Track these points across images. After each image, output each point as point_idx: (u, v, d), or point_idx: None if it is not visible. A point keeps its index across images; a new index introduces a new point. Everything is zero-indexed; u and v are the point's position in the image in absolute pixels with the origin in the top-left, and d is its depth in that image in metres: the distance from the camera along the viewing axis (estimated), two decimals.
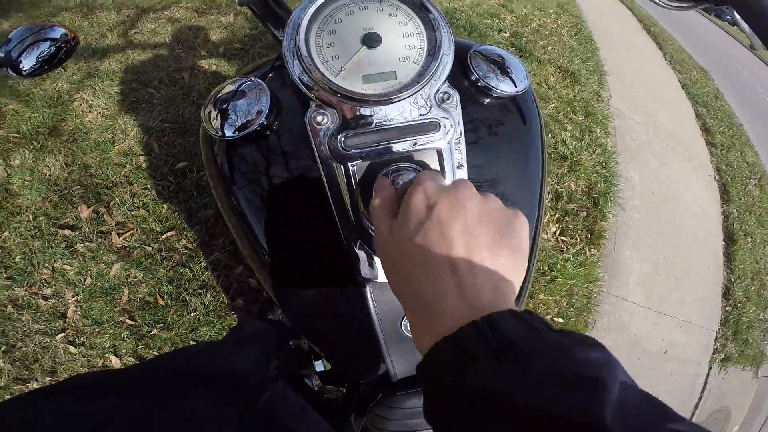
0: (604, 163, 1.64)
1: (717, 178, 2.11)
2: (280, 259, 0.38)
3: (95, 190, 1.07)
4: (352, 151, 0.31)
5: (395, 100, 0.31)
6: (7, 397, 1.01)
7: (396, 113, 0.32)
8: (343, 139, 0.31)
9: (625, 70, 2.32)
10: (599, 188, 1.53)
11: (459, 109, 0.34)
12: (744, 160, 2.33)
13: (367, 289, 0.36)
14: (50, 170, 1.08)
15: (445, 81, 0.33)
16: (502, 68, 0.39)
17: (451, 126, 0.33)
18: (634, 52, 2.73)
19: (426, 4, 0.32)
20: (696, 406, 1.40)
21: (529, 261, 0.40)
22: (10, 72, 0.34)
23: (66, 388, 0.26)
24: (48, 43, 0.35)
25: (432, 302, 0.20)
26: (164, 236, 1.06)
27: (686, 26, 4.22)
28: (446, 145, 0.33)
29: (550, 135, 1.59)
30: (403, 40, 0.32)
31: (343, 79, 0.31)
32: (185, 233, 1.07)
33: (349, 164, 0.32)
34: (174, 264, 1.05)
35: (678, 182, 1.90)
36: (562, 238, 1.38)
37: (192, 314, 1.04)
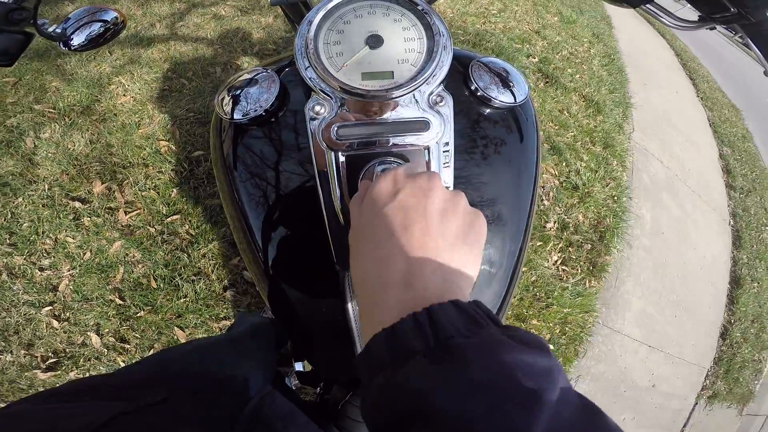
0: (616, 198, 1.62)
1: (732, 223, 2.05)
2: (267, 246, 0.39)
3: (112, 168, 1.11)
4: (344, 141, 0.33)
5: (390, 97, 0.33)
6: None
7: (390, 110, 0.34)
8: (336, 129, 0.33)
9: (652, 104, 2.30)
10: (607, 222, 1.52)
11: (451, 112, 0.35)
12: (763, 206, 2.24)
13: (346, 279, 0.37)
14: (75, 146, 1.13)
15: (440, 84, 0.35)
16: (504, 80, 0.42)
17: (441, 127, 0.34)
18: (665, 87, 2.70)
19: (428, 12, 0.35)
20: None
21: (512, 276, 0.41)
22: (62, 46, 0.38)
23: (57, 392, 0.26)
24: (99, 24, 0.39)
25: (379, 289, 0.19)
26: (169, 219, 1.07)
27: (728, 64, 4.18)
28: (435, 145, 0.35)
29: (564, 163, 1.57)
30: (404, 43, 0.34)
31: (344, 74, 0.33)
32: (189, 219, 1.08)
33: (340, 153, 0.33)
34: (173, 248, 1.06)
35: (690, 224, 1.86)
36: (563, 267, 1.35)
37: (181, 300, 1.03)
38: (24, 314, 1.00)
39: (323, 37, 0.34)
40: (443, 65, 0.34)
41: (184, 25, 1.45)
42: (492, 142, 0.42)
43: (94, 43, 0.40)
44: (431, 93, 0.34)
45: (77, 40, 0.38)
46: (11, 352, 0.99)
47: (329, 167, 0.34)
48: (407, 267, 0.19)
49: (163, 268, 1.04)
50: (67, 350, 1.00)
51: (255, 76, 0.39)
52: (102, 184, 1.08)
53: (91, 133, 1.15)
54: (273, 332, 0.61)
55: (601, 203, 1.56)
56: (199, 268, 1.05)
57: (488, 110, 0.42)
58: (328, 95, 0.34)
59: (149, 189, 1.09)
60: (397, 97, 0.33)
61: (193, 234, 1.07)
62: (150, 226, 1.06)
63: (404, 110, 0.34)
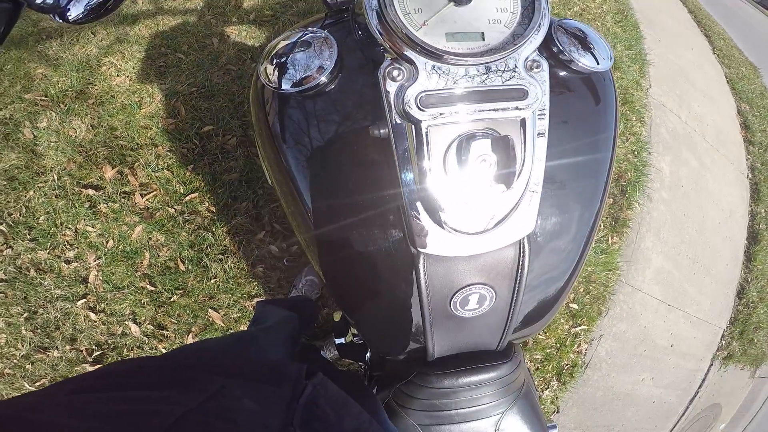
0: (636, 152, 1.59)
1: (750, 176, 2.04)
2: (326, 223, 0.35)
3: (120, 151, 1.05)
4: (428, 111, 0.29)
5: (481, 62, 0.29)
6: (28, 366, 1.00)
7: (479, 76, 0.30)
8: (419, 97, 0.29)
9: (669, 61, 2.23)
10: (629, 177, 1.49)
11: (547, 79, 0.32)
12: None
13: (420, 260, 0.34)
14: (76, 132, 1.07)
15: (535, 49, 0.31)
16: (584, 43, 0.37)
17: (539, 95, 0.31)
18: (681, 44, 2.62)
19: None
20: (690, 402, 1.40)
21: (584, 250, 0.39)
22: (57, 18, 0.31)
23: (104, 383, 0.25)
24: None
25: None
26: (187, 198, 1.03)
27: (741, 21, 4.05)
28: (530, 115, 0.31)
29: None
30: (495, 1, 0.30)
31: (425, 33, 0.29)
32: (208, 196, 1.04)
33: (423, 125, 0.29)
34: (196, 227, 1.02)
35: (709, 177, 1.84)
36: None
37: (212, 281, 1.00)
38: (60, 309, 1.00)
39: None
40: (542, 27, 0.31)
41: None
42: (575, 109, 0.38)
43: (95, 14, 0.33)
44: (527, 58, 0.30)
45: (75, 10, 0.32)
46: (57, 348, 0.99)
47: (409, 141, 0.30)
48: None
49: (189, 249, 1.01)
50: (109, 341, 1.00)
51: (302, 37, 0.33)
52: (112, 168, 1.03)
53: (90, 117, 1.08)
54: (297, 318, 0.59)
55: (622, 158, 1.53)
56: (226, 246, 1.02)
57: (567, 74, 0.38)
58: (406, 58, 0.29)
59: (162, 169, 1.04)
60: (490, 62, 0.29)
61: (214, 211, 1.03)
62: (169, 206, 1.02)
63: (495, 76, 0.30)
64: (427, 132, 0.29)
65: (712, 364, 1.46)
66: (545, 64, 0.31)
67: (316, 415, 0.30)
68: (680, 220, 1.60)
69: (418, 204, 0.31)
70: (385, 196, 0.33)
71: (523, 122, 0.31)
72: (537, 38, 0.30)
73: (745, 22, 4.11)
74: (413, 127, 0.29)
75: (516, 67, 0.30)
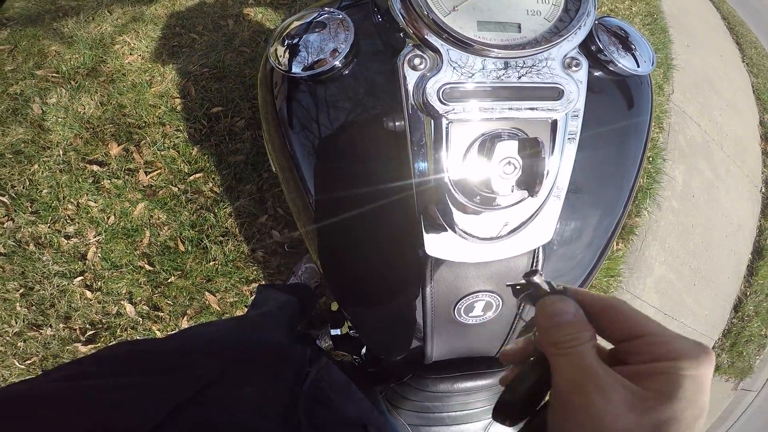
0: (651, 158, 1.57)
1: (763, 190, 2.01)
2: (330, 216, 0.33)
3: (127, 129, 1.05)
4: (451, 105, 0.26)
5: (515, 56, 0.26)
6: (20, 344, 0.98)
7: (511, 71, 0.27)
8: (443, 89, 0.26)
9: (695, 67, 2.20)
10: (640, 183, 1.48)
11: (585, 79, 0.29)
12: None
13: (428, 263, 0.32)
14: (85, 109, 1.07)
15: (575, 47, 0.28)
16: (625, 43, 0.35)
17: (575, 96, 0.28)
18: (709, 50, 2.57)
19: None
20: None
21: (599, 260, 0.37)
22: None
23: (97, 369, 0.24)
24: None
25: None
26: (191, 177, 1.02)
27: None
28: (563, 117, 0.29)
29: None
30: None
31: (454, 20, 0.26)
32: (213, 176, 1.02)
33: (444, 120, 0.27)
34: (198, 207, 1.00)
35: (722, 189, 1.82)
36: None
37: (211, 263, 0.98)
38: (57, 286, 0.98)
39: None
40: (587, 23, 0.28)
41: None
42: (608, 113, 0.36)
43: None
44: (566, 54, 0.28)
45: None
46: (50, 325, 0.97)
47: (427, 136, 0.27)
48: None
49: (190, 229, 0.99)
50: (104, 321, 0.98)
51: (318, 17, 0.30)
52: (118, 145, 1.03)
53: (100, 95, 1.08)
54: (297, 303, 0.57)
55: (643, 166, 1.52)
56: (227, 228, 1.00)
57: (604, 74, 0.35)
58: (430, 46, 0.26)
59: (168, 148, 1.03)
60: (525, 57, 0.27)
61: (218, 192, 1.01)
62: (172, 185, 1.01)
63: (529, 72, 0.27)
64: (447, 128, 0.27)
65: None
66: (585, 63, 0.29)
67: (320, 400, 0.28)
68: (687, 231, 1.58)
69: (431, 205, 0.29)
70: (395, 193, 0.31)
71: (554, 124, 0.29)
72: (580, 35, 0.28)
73: None
74: (432, 121, 0.27)
75: (553, 63, 0.28)
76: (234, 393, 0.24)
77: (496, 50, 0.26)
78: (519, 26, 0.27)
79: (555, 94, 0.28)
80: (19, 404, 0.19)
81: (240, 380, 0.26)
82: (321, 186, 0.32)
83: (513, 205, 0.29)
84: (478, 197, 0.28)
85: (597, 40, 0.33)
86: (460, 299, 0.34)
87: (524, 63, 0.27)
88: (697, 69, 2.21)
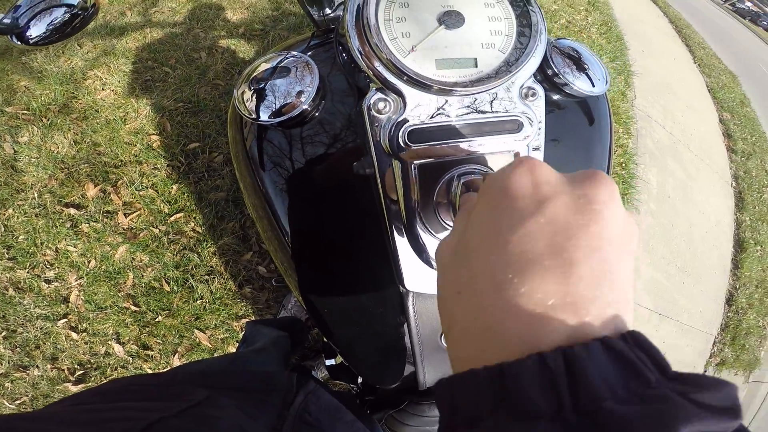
0: (623, 164, 1.61)
1: (734, 185, 2.09)
2: (308, 256, 0.33)
3: (103, 168, 1.03)
4: (416, 146, 0.27)
5: (474, 91, 0.27)
6: (8, 384, 0.97)
7: (472, 107, 0.28)
8: (407, 132, 0.27)
9: (652, 72, 2.28)
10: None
11: (543, 107, 0.29)
12: (764, 168, 2.29)
13: (409, 298, 0.32)
14: (58, 148, 1.05)
15: (530, 76, 0.29)
16: (579, 64, 0.35)
17: (534, 126, 0.29)
18: (663, 54, 2.69)
19: None
20: None
21: None
22: (15, 40, 0.29)
23: (103, 391, 0.25)
24: (63, 9, 0.30)
25: (504, 319, 0.13)
26: (172, 218, 1.01)
27: (721, 31, 4.16)
28: (525, 148, 0.29)
29: None
30: (488, 24, 0.28)
31: (414, 60, 0.26)
32: (194, 216, 1.02)
33: (411, 162, 0.27)
34: (181, 248, 1.00)
35: (695, 187, 1.88)
36: None
37: (198, 301, 0.99)
38: (40, 328, 0.97)
39: (383, 11, 0.26)
40: (539, 52, 0.28)
41: (158, 11, 1.30)
42: (568, 135, 0.36)
43: (59, 33, 0.31)
44: (522, 84, 0.28)
45: (35, 31, 0.29)
46: (37, 366, 0.97)
47: (396, 179, 0.28)
48: (564, 298, 0.12)
49: (174, 270, 0.99)
50: (92, 361, 0.98)
51: (281, 62, 0.30)
52: (95, 186, 1.01)
53: (73, 132, 1.06)
54: (288, 338, 0.59)
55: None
56: (212, 267, 1.00)
57: (560, 97, 0.36)
58: (392, 88, 0.27)
59: (147, 188, 1.02)
60: (483, 91, 0.27)
61: (200, 231, 1.01)
62: (153, 227, 1.00)
63: (488, 106, 0.28)
64: (415, 169, 0.27)
65: (705, 371, 1.48)
66: (541, 91, 0.30)
67: (308, 422, 0.29)
68: (668, 231, 1.63)
69: (406, 243, 0.30)
70: (370, 231, 0.32)
71: (517, 155, 0.29)
72: (533, 64, 0.28)
73: (722, 30, 4.21)
74: (399, 164, 0.27)
75: (511, 95, 0.28)
76: (217, 413, 0.25)
77: (455, 88, 0.26)
78: (475, 61, 0.28)
79: (515, 126, 0.29)
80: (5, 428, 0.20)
81: (224, 404, 0.26)
82: (295, 225, 0.33)
83: None
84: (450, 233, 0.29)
85: (552, 64, 0.34)
86: None
87: (483, 98, 0.28)
88: (655, 73, 2.29)
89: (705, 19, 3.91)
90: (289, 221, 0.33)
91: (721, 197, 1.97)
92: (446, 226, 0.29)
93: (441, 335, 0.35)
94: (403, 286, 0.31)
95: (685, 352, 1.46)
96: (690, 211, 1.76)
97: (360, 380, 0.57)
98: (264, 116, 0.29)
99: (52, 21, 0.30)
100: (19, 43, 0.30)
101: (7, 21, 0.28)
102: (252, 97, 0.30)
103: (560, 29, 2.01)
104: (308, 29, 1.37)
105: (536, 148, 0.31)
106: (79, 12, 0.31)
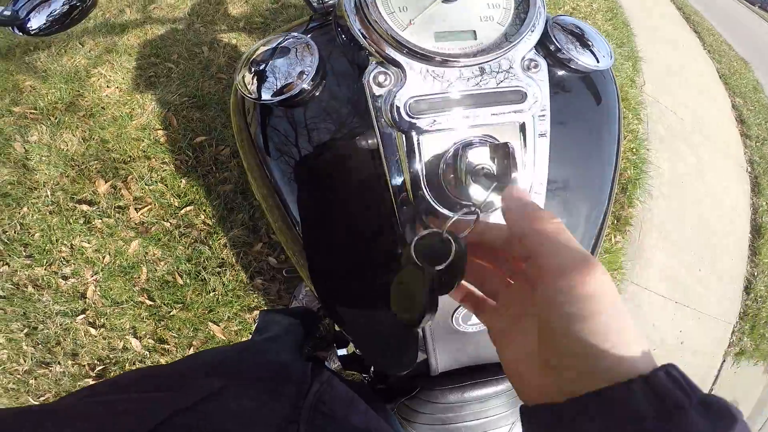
0: (634, 150, 1.58)
1: (749, 170, 2.04)
2: (318, 241, 0.33)
3: (113, 164, 1.04)
4: (419, 118, 0.27)
5: (474, 63, 0.27)
6: (32, 381, 1.00)
7: (473, 78, 0.28)
8: (409, 103, 0.27)
9: (661, 57, 2.22)
10: (629, 174, 1.49)
11: (546, 79, 0.30)
12: None
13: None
14: (67, 145, 1.06)
15: (531, 48, 0.29)
16: (582, 40, 0.35)
17: (538, 96, 0.29)
18: (671, 40, 2.62)
19: None
20: None
21: (595, 246, 0.38)
22: (17, 31, 0.29)
23: (117, 381, 0.26)
24: (61, 1, 0.30)
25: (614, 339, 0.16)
26: (182, 211, 1.02)
27: (730, 17, 4.03)
28: (530, 118, 0.29)
29: None
30: None
31: (412, 33, 0.27)
32: (204, 208, 1.02)
33: (414, 134, 0.27)
34: (192, 241, 1.01)
35: (709, 172, 1.84)
36: None
37: (211, 294, 1.00)
38: (60, 324, 1.00)
39: None
40: (538, 24, 0.28)
41: (157, 8, 1.30)
42: (576, 110, 0.36)
43: (58, 24, 0.31)
44: (523, 57, 0.28)
45: (35, 22, 0.29)
46: (59, 363, 0.99)
47: (400, 151, 0.27)
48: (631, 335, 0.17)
49: (186, 263, 1.00)
50: (111, 356, 1.00)
51: (281, 43, 0.30)
52: (106, 182, 1.02)
53: (81, 130, 1.07)
54: (301, 325, 0.59)
55: (621, 156, 1.54)
56: (223, 259, 1.01)
57: (566, 73, 0.35)
58: (392, 61, 0.26)
59: (156, 182, 1.03)
60: (483, 63, 0.27)
61: (211, 224, 1.02)
62: (164, 220, 1.01)
63: (489, 78, 0.27)
64: (418, 141, 0.27)
65: (724, 361, 1.44)
66: (543, 63, 0.29)
67: (323, 412, 0.29)
68: (682, 217, 1.59)
69: (413, 218, 0.29)
70: (378, 209, 0.31)
71: (522, 126, 0.29)
72: (533, 36, 0.29)
73: (732, 17, 4.08)
74: (403, 136, 0.27)
75: (512, 67, 0.28)
76: (231, 405, 0.25)
77: (454, 59, 0.26)
78: (474, 33, 0.28)
79: (519, 96, 0.28)
80: (22, 419, 0.21)
81: (239, 394, 0.27)
82: (304, 210, 0.33)
83: (493, 211, 0.29)
84: (458, 206, 0.28)
85: (554, 40, 0.33)
86: (457, 308, 0.34)
87: (484, 69, 0.28)
88: (663, 60, 2.23)
89: (713, 6, 3.79)
90: (298, 206, 0.32)
91: (735, 182, 1.92)
92: (451, 196, 0.28)
93: (452, 316, 0.35)
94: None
95: (703, 341, 1.43)
96: (704, 196, 1.72)
97: (372, 369, 0.57)
98: (266, 96, 0.29)
99: (51, 12, 0.30)
100: (20, 33, 0.30)
101: (7, 13, 0.28)
102: (253, 79, 0.30)
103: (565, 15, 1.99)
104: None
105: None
106: (77, 3, 0.31)
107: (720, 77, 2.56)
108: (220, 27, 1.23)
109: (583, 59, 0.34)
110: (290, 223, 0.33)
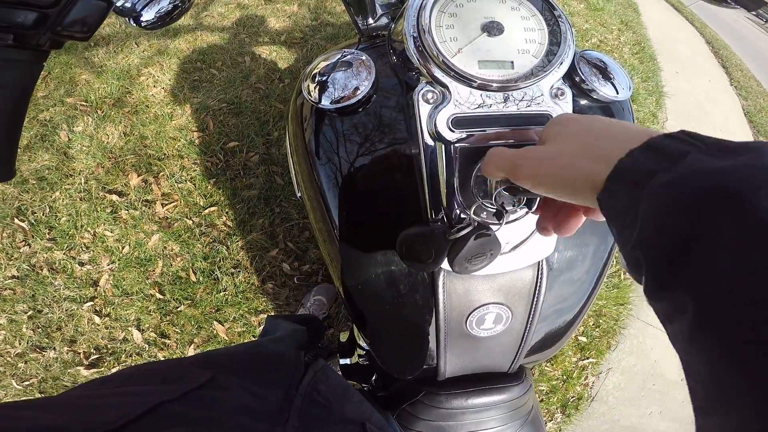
0: None
1: None
2: (352, 240, 0.36)
3: (147, 160, 1.09)
4: (459, 132, 0.31)
5: (511, 88, 0.31)
6: (21, 365, 0.98)
7: (508, 102, 0.32)
8: (451, 119, 0.31)
9: (686, 93, 2.26)
10: None
11: (570, 106, 0.34)
12: None
13: (440, 276, 0.35)
14: (108, 138, 1.12)
15: (560, 78, 0.33)
16: (605, 73, 0.39)
17: None
18: (698, 75, 2.65)
19: (551, 3, 0.33)
20: None
21: (600, 277, 0.40)
22: (131, 22, 0.34)
23: (109, 379, 0.26)
24: (168, 0, 0.36)
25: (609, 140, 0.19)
26: (206, 211, 1.05)
27: (758, 51, 4.04)
28: None
29: None
30: (524, 33, 0.33)
31: (459, 60, 0.31)
32: (226, 210, 1.06)
33: (452, 145, 0.31)
34: (211, 240, 1.03)
35: None
36: None
37: (221, 293, 1.00)
38: (66, 310, 1.00)
39: (435, 19, 0.31)
40: (567, 57, 0.33)
41: (208, 15, 1.42)
42: None
43: (162, 21, 0.36)
44: (552, 86, 0.33)
45: (147, 16, 0.34)
46: (54, 348, 0.98)
47: (439, 160, 0.31)
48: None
49: (202, 261, 1.02)
50: (109, 346, 0.99)
51: (343, 58, 0.35)
52: (138, 176, 1.07)
53: (124, 125, 1.13)
54: (305, 332, 0.59)
55: None
56: (238, 261, 1.03)
57: (588, 102, 0.40)
58: (440, 82, 0.31)
59: (185, 181, 1.07)
60: (519, 89, 0.32)
61: (231, 226, 1.05)
62: (187, 218, 1.04)
63: (522, 102, 0.32)
64: (456, 152, 0.31)
65: None
66: (569, 93, 0.34)
67: (317, 401, 0.29)
68: None
69: (443, 221, 0.32)
70: (410, 214, 0.34)
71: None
72: (562, 68, 0.33)
73: (761, 53, 4.11)
74: (443, 146, 0.31)
75: (542, 94, 0.33)
76: (221, 394, 0.25)
77: (495, 84, 0.31)
78: (512, 63, 0.32)
79: (545, 120, 0.32)
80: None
81: (229, 384, 0.26)
82: (344, 213, 0.36)
83: (515, 220, 0.33)
84: (485, 213, 0.31)
85: (580, 72, 0.37)
86: (472, 311, 0.36)
87: (518, 95, 0.32)
88: (688, 95, 2.26)
89: (744, 40, 3.84)
90: (338, 208, 0.36)
91: None
92: (479, 201, 0.31)
93: (466, 320, 0.36)
94: (431, 266, 0.33)
95: None
96: None
97: (373, 378, 0.57)
98: (325, 102, 0.33)
99: (159, 9, 0.34)
100: (134, 24, 0.34)
101: (128, 5, 0.33)
102: (315, 87, 0.34)
103: (592, 47, 2.04)
104: (343, 39, 1.46)
105: None
106: (179, 3, 0.35)
107: (745, 114, 2.56)
108: (263, 39, 1.33)
109: (604, 90, 0.38)
110: (329, 223, 0.36)
